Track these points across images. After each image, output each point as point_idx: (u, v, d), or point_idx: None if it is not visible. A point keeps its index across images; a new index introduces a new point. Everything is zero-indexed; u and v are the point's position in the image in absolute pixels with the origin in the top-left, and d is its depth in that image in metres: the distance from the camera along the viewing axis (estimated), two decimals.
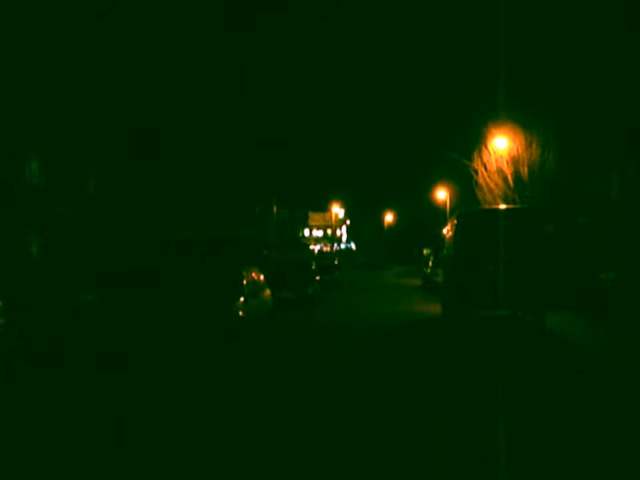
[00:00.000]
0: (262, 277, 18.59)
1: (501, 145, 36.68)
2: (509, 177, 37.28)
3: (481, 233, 19.48)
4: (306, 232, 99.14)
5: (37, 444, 8.37)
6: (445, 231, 26.51)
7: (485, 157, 38.67)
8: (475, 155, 39.40)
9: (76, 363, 14.00)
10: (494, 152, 37.83)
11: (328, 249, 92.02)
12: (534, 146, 36.18)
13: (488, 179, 38.53)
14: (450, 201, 56.54)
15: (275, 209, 74.77)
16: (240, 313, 15.08)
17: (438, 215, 62.59)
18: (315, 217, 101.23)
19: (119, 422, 9.41)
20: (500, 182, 37.75)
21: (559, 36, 35.33)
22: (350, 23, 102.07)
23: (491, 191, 38.35)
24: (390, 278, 61.84)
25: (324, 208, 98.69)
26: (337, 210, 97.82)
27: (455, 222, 20.75)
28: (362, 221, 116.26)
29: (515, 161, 36.93)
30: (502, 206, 27.80)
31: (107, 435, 8.77)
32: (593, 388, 11.66)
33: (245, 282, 16.23)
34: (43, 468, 7.55)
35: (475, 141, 39.53)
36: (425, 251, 66.16)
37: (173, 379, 12.39)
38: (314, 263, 34.10)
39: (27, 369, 13.26)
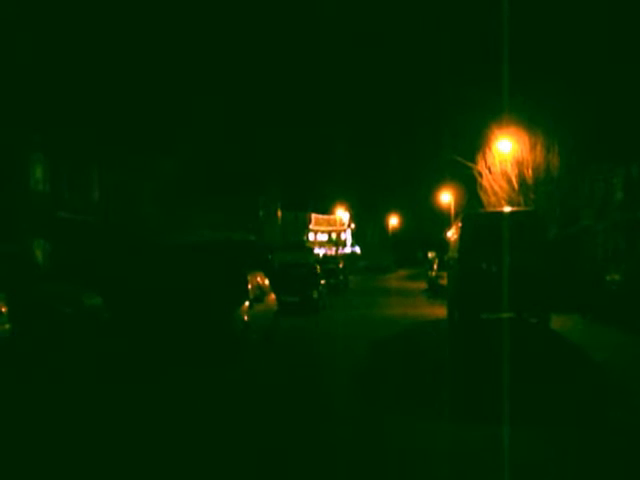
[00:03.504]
0: (267, 281, 18.57)
1: (505, 148, 36.64)
2: (513, 179, 37.26)
3: (486, 236, 19.43)
4: (310, 236, 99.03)
5: (42, 447, 8.37)
6: (450, 234, 26.47)
7: (489, 160, 38.67)
8: (479, 158, 39.39)
9: (80, 367, 14.01)
10: (498, 155, 37.81)
11: (332, 252, 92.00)
12: (538, 148, 36.16)
13: (492, 182, 38.51)
14: (454, 204, 56.51)
15: (279, 213, 74.77)
16: (245, 317, 15.07)
17: (442, 218, 62.58)
18: (319, 221, 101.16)
19: (122, 425, 9.40)
20: (504, 185, 37.73)
21: (563, 38, 35.33)
22: (354, 24, 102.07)
23: (495, 194, 38.35)
24: (395, 281, 61.73)
25: (328, 212, 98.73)
26: (341, 214, 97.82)
27: (460, 225, 20.73)
28: (366, 224, 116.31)
29: (519, 163, 36.92)
30: (507, 208, 27.74)
31: (108, 436, 8.76)
32: (598, 390, 11.63)
33: (250, 286, 16.20)
34: (45, 468, 7.56)
35: (479, 144, 39.54)
36: (430, 254, 66.20)
37: (177, 383, 12.38)
38: (319, 267, 34.04)
39: (32, 373, 13.26)
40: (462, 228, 20.25)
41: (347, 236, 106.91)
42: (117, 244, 29.07)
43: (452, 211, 55.77)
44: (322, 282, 30.89)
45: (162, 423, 9.58)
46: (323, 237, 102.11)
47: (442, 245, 41.34)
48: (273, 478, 7.39)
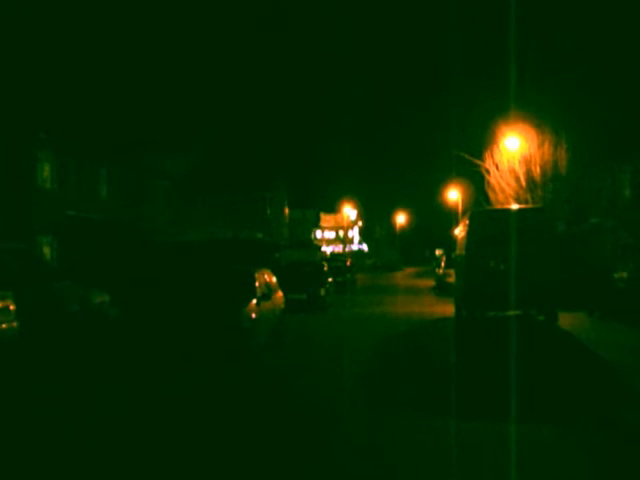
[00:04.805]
0: (274, 279, 18.57)
1: (513, 145, 36.54)
2: (521, 177, 37.15)
3: (493, 233, 19.41)
4: (318, 233, 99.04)
5: (46, 444, 8.39)
6: (457, 231, 26.44)
7: (497, 157, 38.55)
8: (487, 155, 39.28)
9: (87, 364, 14.04)
10: (506, 152, 37.70)
11: (340, 250, 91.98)
12: (546, 145, 36.03)
13: (500, 179, 38.41)
14: (462, 202, 56.38)
15: (287, 210, 74.78)
16: (252, 315, 15.07)
17: (450, 216, 62.47)
18: (327, 218, 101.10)
19: (126, 424, 9.42)
20: (512, 182, 37.63)
21: (570, 36, 35.19)
22: (360, 21, 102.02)
23: (503, 191, 38.25)
24: (402, 279, 61.73)
25: (335, 209, 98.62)
26: (349, 211, 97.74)
27: (467, 222, 20.70)
28: (374, 222, 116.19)
29: (527, 161, 36.81)
30: (514, 206, 27.68)
31: (112, 435, 8.78)
32: (605, 388, 11.60)
33: (257, 284, 16.20)
34: (50, 465, 7.58)
35: (487, 141, 39.41)
36: (437, 252, 66.14)
37: (184, 381, 12.40)
38: (326, 264, 34.02)
39: (40, 370, 13.31)
40: (469, 226, 20.23)
41: (354, 234, 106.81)
42: (125, 242, 29.14)
43: (459, 209, 55.66)
44: (329, 280, 30.89)
45: (167, 422, 9.60)
46: (330, 235, 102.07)
47: (449, 243, 41.32)
48: (274, 475, 7.40)
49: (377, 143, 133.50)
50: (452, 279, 29.51)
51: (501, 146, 37.98)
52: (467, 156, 40.13)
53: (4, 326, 12.56)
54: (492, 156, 38.81)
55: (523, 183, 37.03)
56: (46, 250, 29.35)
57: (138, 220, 36.75)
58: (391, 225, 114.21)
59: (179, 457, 7.83)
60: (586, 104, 32.81)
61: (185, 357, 14.35)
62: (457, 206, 57.19)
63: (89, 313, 16.51)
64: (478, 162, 39.95)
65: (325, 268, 31.91)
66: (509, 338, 16.27)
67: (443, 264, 41.64)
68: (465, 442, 8.21)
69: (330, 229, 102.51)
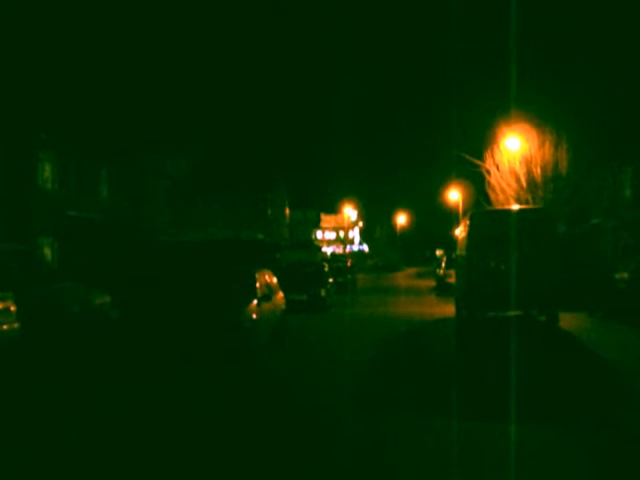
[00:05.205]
0: (275, 280, 18.56)
1: (513, 145, 36.54)
2: (522, 177, 37.16)
3: (494, 234, 19.40)
4: (318, 234, 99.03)
5: (46, 445, 8.40)
6: (458, 232, 26.44)
7: (497, 157, 38.56)
8: (487, 155, 39.28)
9: (88, 365, 14.05)
10: (506, 152, 37.71)
11: (340, 251, 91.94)
12: (547, 146, 36.04)
13: (500, 179, 38.42)
14: (462, 202, 56.38)
15: (287, 211, 74.77)
16: (253, 316, 15.07)
17: (450, 216, 62.50)
18: (327, 219, 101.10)
19: (126, 425, 9.42)
20: (513, 182, 37.64)
21: (571, 37, 35.21)
22: (362, 22, 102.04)
23: (503, 191, 38.26)
24: (403, 280, 61.72)
25: (336, 210, 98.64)
26: (349, 212, 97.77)
27: (468, 223, 20.69)
28: (375, 223, 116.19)
29: (528, 161, 36.81)
30: (515, 206, 27.68)
31: (113, 436, 8.78)
32: (606, 388, 11.60)
33: (258, 284, 16.20)
34: (50, 467, 7.58)
35: (487, 141, 39.43)
36: (438, 252, 66.16)
37: (184, 382, 12.40)
38: (327, 265, 34.00)
39: (40, 372, 13.31)
40: (470, 226, 20.22)
41: (355, 234, 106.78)
42: (125, 242, 29.13)
43: (460, 209, 55.68)
44: (330, 280, 30.87)
45: (167, 422, 9.60)
46: (331, 235, 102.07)
47: (450, 243, 41.36)
48: (275, 476, 7.40)
49: (377, 144, 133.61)
50: (453, 279, 29.52)
51: (502, 146, 37.99)
52: (467, 156, 40.16)
53: (5, 327, 12.56)
54: (492, 156, 38.82)
55: (524, 183, 37.05)
56: (47, 251, 29.34)
57: (138, 220, 36.74)
58: (392, 226, 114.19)
59: (180, 457, 7.84)
60: (587, 104, 32.82)
61: (185, 357, 14.36)
62: (458, 206, 57.20)
63: (90, 314, 16.49)
64: (478, 162, 39.96)
65: (326, 269, 31.89)
66: (510, 338, 16.27)
67: (444, 264, 41.67)
68: (465, 442, 8.21)
69: (331, 230, 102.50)
